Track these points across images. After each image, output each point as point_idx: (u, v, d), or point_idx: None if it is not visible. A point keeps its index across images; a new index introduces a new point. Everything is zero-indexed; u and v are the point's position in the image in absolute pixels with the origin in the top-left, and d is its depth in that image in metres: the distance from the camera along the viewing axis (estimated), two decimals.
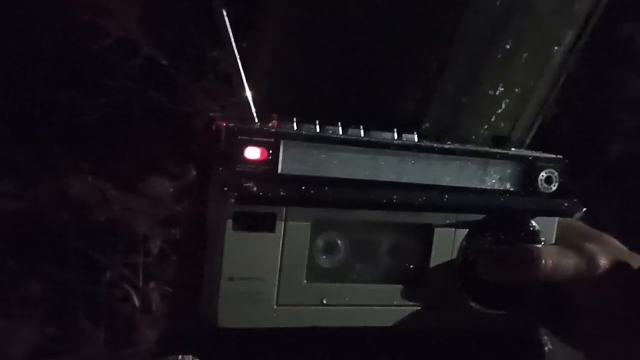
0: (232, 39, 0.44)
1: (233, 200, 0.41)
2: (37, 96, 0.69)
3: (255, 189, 0.41)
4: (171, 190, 0.77)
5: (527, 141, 0.52)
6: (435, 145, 0.46)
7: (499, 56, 0.46)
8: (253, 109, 0.45)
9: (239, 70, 0.45)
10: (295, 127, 0.44)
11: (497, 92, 0.48)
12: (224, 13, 0.45)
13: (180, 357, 0.50)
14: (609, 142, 0.75)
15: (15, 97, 0.68)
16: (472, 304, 0.48)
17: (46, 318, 0.75)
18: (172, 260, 0.76)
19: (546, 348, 0.49)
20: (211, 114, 0.52)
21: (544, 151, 0.49)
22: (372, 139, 0.44)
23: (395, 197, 0.44)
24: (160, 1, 0.72)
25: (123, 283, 0.80)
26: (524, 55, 0.47)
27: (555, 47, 0.47)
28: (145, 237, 0.79)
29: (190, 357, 0.50)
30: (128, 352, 0.75)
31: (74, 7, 0.66)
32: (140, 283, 0.80)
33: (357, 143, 0.44)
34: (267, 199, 0.42)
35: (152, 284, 0.81)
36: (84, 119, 0.71)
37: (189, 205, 0.79)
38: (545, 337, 0.50)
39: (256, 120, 0.44)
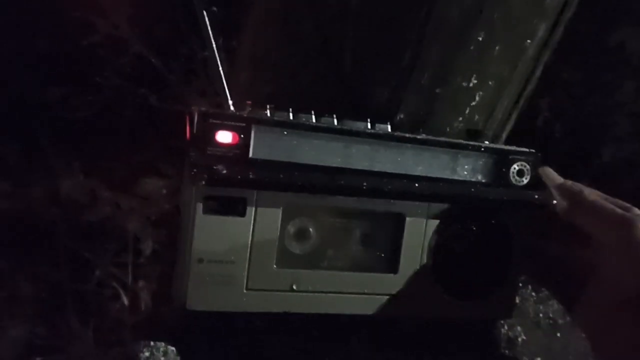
0: (209, 26, 0.46)
1: (203, 183, 0.42)
2: (28, 93, 0.70)
3: (224, 171, 0.42)
4: (164, 190, 0.78)
5: (504, 136, 0.52)
6: (407, 135, 0.46)
7: (472, 48, 0.47)
8: (228, 96, 0.46)
9: (215, 57, 0.46)
10: (268, 114, 0.45)
11: (471, 84, 0.48)
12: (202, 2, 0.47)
13: (152, 343, 0.51)
14: (601, 145, 0.75)
15: (6, 95, 0.69)
16: (444, 294, 0.48)
17: (36, 317, 0.75)
18: (163, 258, 0.76)
19: (520, 339, 0.49)
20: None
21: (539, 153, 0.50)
22: (344, 127, 0.45)
23: (365, 183, 0.44)
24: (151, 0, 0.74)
25: (112, 281, 0.80)
26: (497, 47, 0.47)
27: (528, 40, 0.48)
28: (137, 237, 0.79)
29: (163, 344, 0.51)
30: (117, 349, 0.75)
31: (66, 5, 0.68)
32: (129, 280, 0.80)
33: (329, 130, 0.45)
34: (237, 182, 0.42)
35: (141, 283, 0.81)
36: (74, 116, 0.72)
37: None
38: (519, 328, 0.49)
39: (231, 107, 0.45)
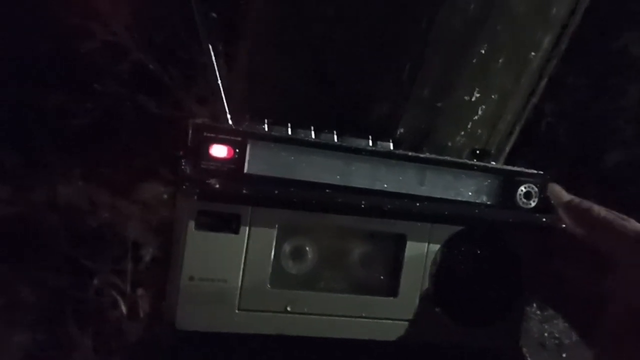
0: (207, 36, 0.45)
1: (195, 197, 0.40)
2: (27, 100, 0.70)
3: (217, 186, 0.40)
4: (164, 196, 0.76)
5: (507, 149, 0.50)
6: (409, 153, 0.44)
7: (474, 61, 0.45)
8: (227, 109, 0.44)
9: (215, 70, 0.45)
10: (265, 128, 0.43)
11: (473, 98, 0.46)
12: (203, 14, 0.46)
13: None
14: (606, 150, 0.73)
15: (5, 101, 0.68)
16: (445, 320, 0.46)
17: (35, 324, 0.74)
18: (163, 265, 0.75)
19: None
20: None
21: (542, 159, 0.48)
22: (344, 144, 0.43)
23: (365, 202, 0.43)
24: (151, 6, 0.73)
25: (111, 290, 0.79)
26: (500, 60, 0.46)
27: (532, 53, 0.46)
28: (136, 244, 0.78)
29: None
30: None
31: (64, 12, 0.67)
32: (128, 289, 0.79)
33: (328, 147, 0.43)
34: (230, 197, 0.41)
35: (140, 291, 0.80)
36: (73, 123, 0.71)
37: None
38: (524, 349, 0.48)
39: (229, 120, 0.44)
